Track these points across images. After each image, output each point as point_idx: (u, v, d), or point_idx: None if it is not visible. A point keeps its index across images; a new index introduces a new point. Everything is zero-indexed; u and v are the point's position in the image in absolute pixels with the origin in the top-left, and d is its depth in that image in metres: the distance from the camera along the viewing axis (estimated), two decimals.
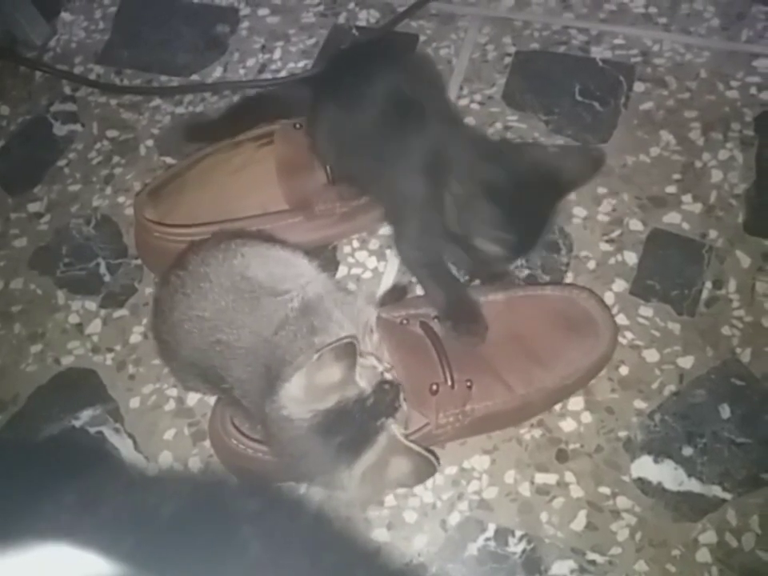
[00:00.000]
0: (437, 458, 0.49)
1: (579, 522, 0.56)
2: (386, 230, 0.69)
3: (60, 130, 0.82)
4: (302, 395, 0.46)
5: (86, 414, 0.64)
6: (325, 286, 0.55)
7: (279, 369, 0.48)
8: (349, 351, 0.45)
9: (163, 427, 0.63)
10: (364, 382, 0.47)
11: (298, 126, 0.68)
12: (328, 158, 0.65)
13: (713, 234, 0.67)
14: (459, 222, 0.55)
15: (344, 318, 0.51)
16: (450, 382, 0.55)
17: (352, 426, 0.47)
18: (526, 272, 0.67)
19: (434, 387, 0.55)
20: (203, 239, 0.60)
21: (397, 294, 0.66)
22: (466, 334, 0.58)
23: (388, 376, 0.49)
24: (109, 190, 0.77)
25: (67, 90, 0.85)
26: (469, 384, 0.56)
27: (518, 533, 0.56)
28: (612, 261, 0.67)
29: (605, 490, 0.57)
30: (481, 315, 0.59)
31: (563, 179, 0.54)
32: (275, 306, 0.51)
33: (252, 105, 0.76)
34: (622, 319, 0.63)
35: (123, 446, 0.63)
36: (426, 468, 0.48)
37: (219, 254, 0.55)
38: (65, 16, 0.91)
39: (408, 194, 0.58)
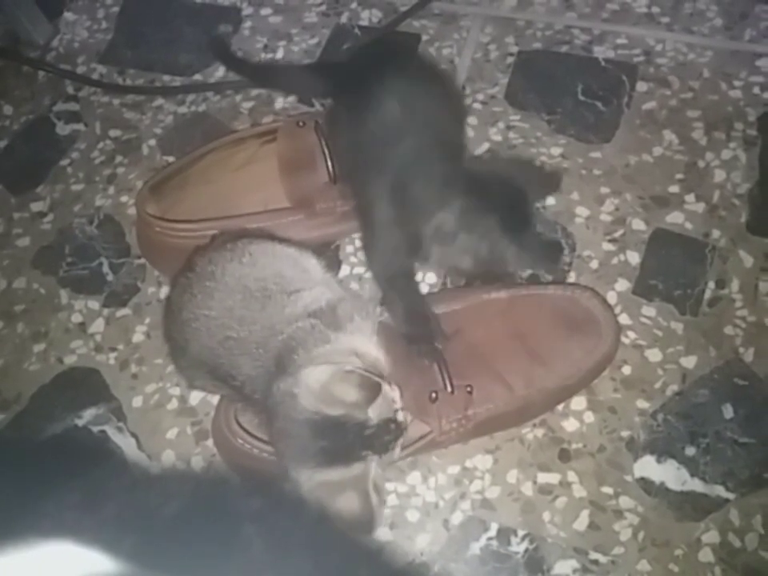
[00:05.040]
0: (379, 523, 0.49)
1: (582, 522, 0.56)
2: None
3: (63, 129, 0.82)
4: (316, 390, 0.47)
5: (88, 413, 0.65)
6: (334, 287, 0.57)
7: (291, 356, 0.49)
8: (374, 389, 0.47)
9: (166, 426, 0.63)
10: (375, 413, 0.48)
11: (301, 123, 0.68)
12: (336, 157, 0.65)
13: (716, 233, 0.67)
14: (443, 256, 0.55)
15: (361, 320, 0.52)
16: (449, 389, 0.55)
17: (340, 442, 0.47)
18: (528, 271, 0.67)
19: (434, 395, 0.55)
20: (208, 241, 0.61)
21: None
22: (418, 354, 0.57)
23: (400, 417, 0.49)
24: (112, 190, 0.77)
25: (70, 90, 0.85)
26: (469, 389, 0.56)
27: (521, 532, 0.56)
28: (615, 260, 0.67)
29: (607, 489, 0.57)
30: (438, 335, 0.58)
31: (529, 191, 0.55)
32: (287, 303, 0.52)
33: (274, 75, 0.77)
34: (624, 319, 0.63)
35: (126, 445, 0.63)
36: (365, 521, 0.48)
37: (227, 254, 0.55)
38: (67, 16, 0.91)
39: (376, 211, 0.57)
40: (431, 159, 0.55)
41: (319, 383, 0.46)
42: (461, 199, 0.53)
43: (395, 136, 0.56)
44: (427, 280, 0.67)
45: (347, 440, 0.47)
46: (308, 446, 0.48)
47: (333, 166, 0.66)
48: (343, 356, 0.49)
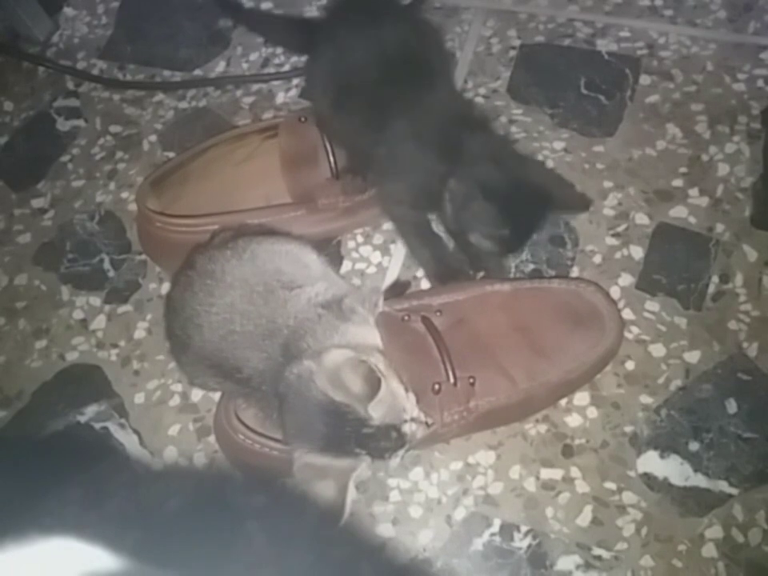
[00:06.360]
0: (345, 518, 0.48)
1: (585, 518, 0.56)
2: (389, 225, 0.69)
3: (63, 125, 0.82)
4: (329, 370, 0.47)
5: (90, 410, 0.65)
6: (336, 281, 0.57)
7: (299, 344, 0.49)
8: (375, 384, 0.46)
9: (168, 422, 0.63)
10: (379, 413, 0.47)
11: (302, 119, 0.68)
12: (321, 100, 0.65)
13: (719, 227, 0.66)
14: (456, 217, 0.56)
15: (366, 312, 0.53)
16: (452, 380, 0.55)
17: (337, 431, 0.47)
18: (531, 266, 0.66)
19: (437, 386, 0.55)
20: (209, 238, 0.61)
21: (399, 289, 0.66)
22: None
23: (405, 428, 0.49)
24: (112, 186, 0.77)
25: (70, 86, 0.85)
26: (471, 381, 0.55)
27: (524, 528, 0.56)
28: (618, 255, 0.66)
29: (610, 485, 0.57)
30: (464, 272, 0.64)
31: (553, 200, 0.56)
32: (289, 298, 0.53)
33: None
34: (628, 314, 0.63)
35: (128, 442, 0.63)
36: (334, 511, 0.48)
37: (227, 252, 0.56)
38: (67, 11, 0.91)
39: (403, 155, 0.58)
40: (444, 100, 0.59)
41: (334, 364, 0.47)
42: (477, 168, 0.55)
43: (417, 80, 0.59)
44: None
45: (344, 432, 0.47)
46: (308, 426, 0.48)
47: (335, 162, 0.66)
48: (368, 351, 0.49)
